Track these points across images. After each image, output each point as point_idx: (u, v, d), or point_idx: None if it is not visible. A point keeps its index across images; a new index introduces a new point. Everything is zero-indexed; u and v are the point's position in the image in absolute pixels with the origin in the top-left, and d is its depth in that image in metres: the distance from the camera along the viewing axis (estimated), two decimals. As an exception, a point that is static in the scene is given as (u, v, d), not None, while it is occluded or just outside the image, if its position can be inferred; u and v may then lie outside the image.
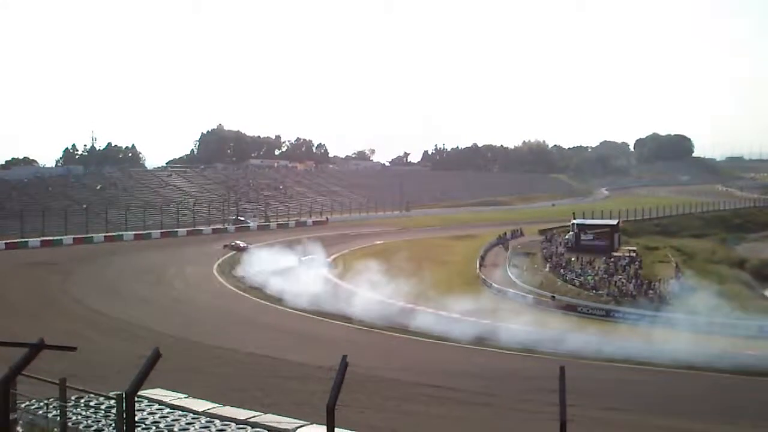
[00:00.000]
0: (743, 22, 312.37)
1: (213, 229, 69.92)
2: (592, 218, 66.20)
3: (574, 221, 60.95)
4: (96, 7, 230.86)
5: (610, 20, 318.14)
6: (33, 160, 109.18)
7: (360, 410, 15.77)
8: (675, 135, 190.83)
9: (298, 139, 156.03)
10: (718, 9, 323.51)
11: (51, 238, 58.47)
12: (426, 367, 24.31)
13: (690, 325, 33.01)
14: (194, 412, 9.90)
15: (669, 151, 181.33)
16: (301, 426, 9.47)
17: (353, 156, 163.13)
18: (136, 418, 8.01)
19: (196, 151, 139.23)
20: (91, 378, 14.66)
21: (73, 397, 9.29)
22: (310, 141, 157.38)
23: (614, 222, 62.43)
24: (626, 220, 70.88)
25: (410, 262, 50.44)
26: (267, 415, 10.21)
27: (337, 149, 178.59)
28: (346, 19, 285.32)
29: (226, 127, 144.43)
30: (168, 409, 9.88)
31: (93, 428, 8.98)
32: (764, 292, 48.35)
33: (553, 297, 39.78)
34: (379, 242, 62.63)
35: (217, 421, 9.62)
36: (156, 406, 9.96)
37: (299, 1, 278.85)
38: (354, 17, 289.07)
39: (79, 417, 9.25)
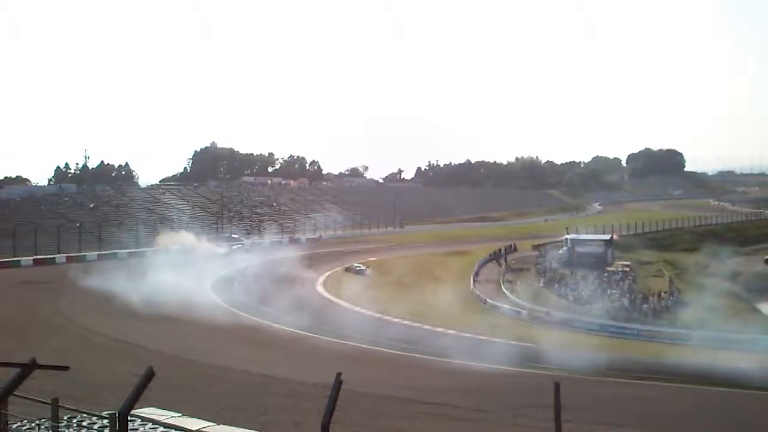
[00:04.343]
0: (736, 36, 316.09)
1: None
2: (586, 233, 66.53)
3: (568, 236, 61.24)
4: (89, 26, 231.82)
5: (602, 37, 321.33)
6: (26, 179, 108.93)
7: (355, 428, 15.70)
8: (666, 150, 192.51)
9: (291, 157, 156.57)
10: (710, 25, 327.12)
11: (44, 256, 58.12)
12: (421, 383, 24.23)
13: (683, 339, 33.15)
14: (188, 431, 9.84)
15: (661, 166, 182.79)
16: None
17: (346, 173, 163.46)
18: (130, 438, 7.95)
19: (189, 169, 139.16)
20: (83, 397, 14.59)
21: (65, 417, 9.22)
22: (304, 158, 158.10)
23: (607, 237, 62.74)
24: (619, 235, 71.14)
25: (403, 278, 50.64)
26: (261, 433, 10.17)
27: (331, 166, 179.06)
28: (339, 37, 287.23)
29: (219, 145, 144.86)
30: (162, 428, 9.80)
31: (86, 448, 8.90)
32: (757, 305, 48.45)
33: (547, 312, 39.79)
34: (373, 259, 62.61)
35: (211, 440, 9.57)
36: (149, 425, 9.88)
37: (291, 20, 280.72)
38: (346, 35, 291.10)
39: (72, 437, 9.17)
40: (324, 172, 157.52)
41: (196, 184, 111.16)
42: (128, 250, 63.68)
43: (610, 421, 19.70)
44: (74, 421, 9.46)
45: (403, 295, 42.56)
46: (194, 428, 9.95)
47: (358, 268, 54.80)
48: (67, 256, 59.10)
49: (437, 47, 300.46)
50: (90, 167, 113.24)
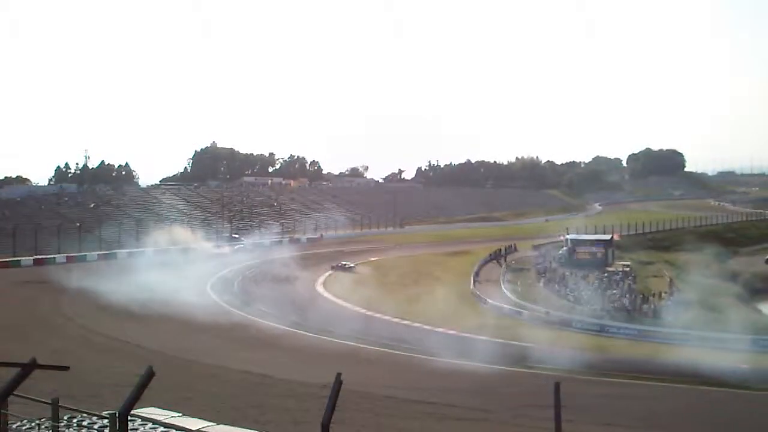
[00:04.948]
0: (736, 36, 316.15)
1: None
2: (586, 233, 66.47)
3: (568, 236, 61.23)
4: (89, 26, 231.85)
5: (602, 37, 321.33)
6: (26, 178, 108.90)
7: (356, 428, 15.71)
8: (667, 150, 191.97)
9: (291, 157, 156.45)
10: (710, 26, 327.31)
11: (44, 256, 58.16)
12: (421, 383, 24.24)
13: (683, 340, 33.13)
14: (188, 431, 9.83)
15: (661, 166, 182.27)
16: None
17: (347, 173, 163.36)
18: (130, 438, 7.95)
19: (189, 169, 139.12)
20: (84, 397, 14.61)
21: (65, 417, 9.22)
22: (304, 158, 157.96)
23: (608, 237, 62.70)
24: (620, 235, 71.10)
25: (404, 278, 50.66)
26: (261, 433, 10.17)
27: (331, 166, 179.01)
28: (339, 38, 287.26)
29: (219, 145, 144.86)
30: (162, 428, 9.80)
31: (86, 448, 8.91)
32: (757, 305, 48.50)
33: (548, 312, 39.76)
34: (373, 258, 62.65)
35: (211, 440, 9.57)
36: (150, 425, 9.87)
37: (291, 20, 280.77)
38: (346, 36, 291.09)
39: (72, 437, 9.17)
40: (324, 172, 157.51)
41: (196, 184, 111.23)
42: (128, 250, 63.66)
43: (610, 421, 19.73)
44: (74, 421, 9.46)
45: (404, 296, 42.59)
46: (194, 428, 9.95)
47: (348, 266, 55.26)
48: (67, 256, 59.12)
49: (437, 47, 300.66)
50: (90, 167, 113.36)
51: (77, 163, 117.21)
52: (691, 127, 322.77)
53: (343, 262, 56.67)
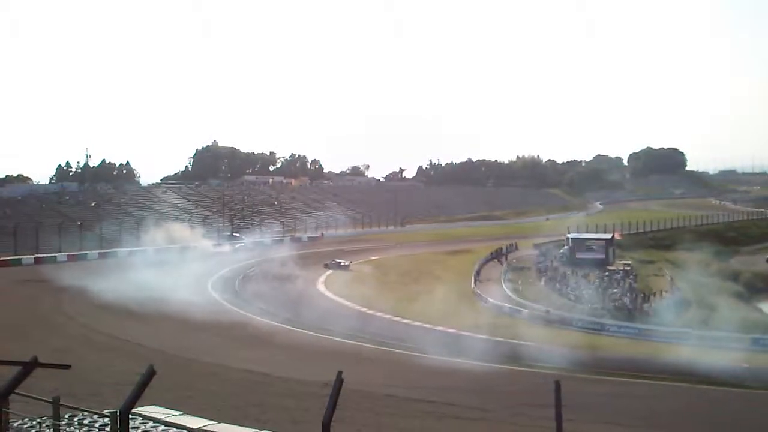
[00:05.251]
0: (736, 38, 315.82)
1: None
2: (587, 232, 66.49)
3: (569, 235, 61.21)
4: (89, 26, 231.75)
5: (602, 37, 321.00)
6: (27, 177, 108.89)
7: (356, 427, 15.73)
8: (668, 149, 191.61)
9: (292, 155, 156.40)
10: (710, 26, 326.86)
11: (45, 255, 58.19)
12: (421, 382, 24.24)
13: (684, 339, 33.14)
14: (189, 429, 9.85)
15: (662, 165, 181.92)
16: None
17: (348, 172, 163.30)
18: (131, 436, 7.96)
19: (190, 168, 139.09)
20: (85, 396, 14.65)
21: (66, 416, 9.25)
22: (305, 157, 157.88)
23: (609, 236, 62.71)
24: (621, 234, 71.10)
25: (403, 276, 50.67)
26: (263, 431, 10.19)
27: (332, 165, 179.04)
28: (339, 37, 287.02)
29: (220, 144, 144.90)
30: (162, 427, 9.82)
31: (87, 446, 8.92)
32: (758, 304, 48.51)
33: (548, 311, 39.75)
34: (374, 257, 62.63)
35: (212, 438, 9.59)
36: (150, 423, 9.90)
37: (291, 20, 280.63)
38: (347, 36, 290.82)
39: (73, 435, 9.19)
40: (325, 171, 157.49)
41: (197, 183, 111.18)
42: (129, 249, 63.61)
43: (611, 420, 19.74)
44: (75, 419, 9.48)
45: (404, 294, 42.60)
46: (195, 426, 9.98)
47: (343, 264, 55.08)
48: (68, 255, 59.17)
49: (437, 47, 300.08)
50: (91, 166, 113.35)
51: (78, 162, 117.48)
52: (691, 127, 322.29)
53: (337, 260, 56.40)
